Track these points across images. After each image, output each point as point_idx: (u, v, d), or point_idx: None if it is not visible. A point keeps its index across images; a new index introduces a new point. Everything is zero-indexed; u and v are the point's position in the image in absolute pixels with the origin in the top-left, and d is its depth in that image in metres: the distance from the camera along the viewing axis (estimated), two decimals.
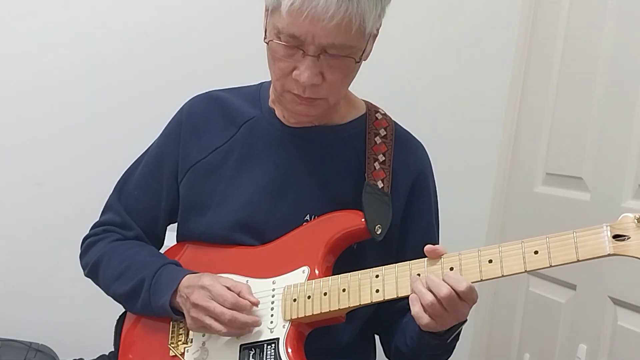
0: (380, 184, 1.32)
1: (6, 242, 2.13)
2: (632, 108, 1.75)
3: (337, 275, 1.24)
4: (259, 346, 1.25)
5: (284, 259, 1.31)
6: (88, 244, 1.47)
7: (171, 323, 1.36)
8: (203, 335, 1.31)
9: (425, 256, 1.18)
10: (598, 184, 1.86)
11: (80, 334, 2.11)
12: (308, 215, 1.33)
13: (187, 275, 1.31)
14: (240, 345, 1.26)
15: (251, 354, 1.25)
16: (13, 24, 2.10)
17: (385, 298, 1.19)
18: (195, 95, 1.47)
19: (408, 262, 1.19)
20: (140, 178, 1.46)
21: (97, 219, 1.50)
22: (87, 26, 2.13)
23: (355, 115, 1.40)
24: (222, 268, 1.33)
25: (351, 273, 1.22)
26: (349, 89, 1.33)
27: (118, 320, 1.47)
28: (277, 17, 1.20)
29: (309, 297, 1.24)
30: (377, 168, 1.34)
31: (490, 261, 1.12)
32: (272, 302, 1.27)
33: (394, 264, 1.20)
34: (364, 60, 1.27)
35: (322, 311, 1.22)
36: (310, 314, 1.23)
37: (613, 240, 1.05)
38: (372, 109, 1.42)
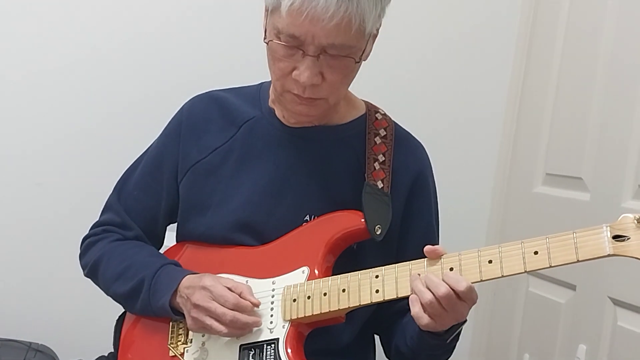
0: (380, 184, 1.32)
1: (6, 242, 2.13)
2: (632, 108, 1.75)
3: (336, 276, 1.24)
4: (258, 346, 1.25)
5: (284, 259, 1.31)
6: (88, 244, 1.47)
7: (171, 323, 1.36)
8: (203, 336, 1.31)
9: (425, 256, 1.18)
10: (598, 184, 1.86)
11: (80, 334, 2.11)
12: (308, 216, 1.33)
13: (187, 276, 1.31)
14: (240, 346, 1.26)
15: (251, 354, 1.25)
16: (13, 24, 2.10)
17: (385, 298, 1.19)
18: (195, 95, 1.47)
19: (408, 262, 1.19)
20: (140, 178, 1.46)
21: (97, 219, 1.50)
22: (87, 26, 2.13)
23: (355, 115, 1.40)
24: (221, 268, 1.33)
25: (351, 273, 1.22)
26: (349, 89, 1.33)
27: (117, 321, 1.47)
28: (277, 17, 1.20)
29: (308, 298, 1.24)
30: (377, 168, 1.34)
31: (490, 261, 1.12)
32: (272, 303, 1.27)
33: (394, 265, 1.20)
34: (364, 60, 1.27)
35: (322, 311, 1.22)
36: (310, 314, 1.23)
37: (613, 240, 1.05)
38: (372, 109, 1.42)
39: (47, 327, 2.12)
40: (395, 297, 1.19)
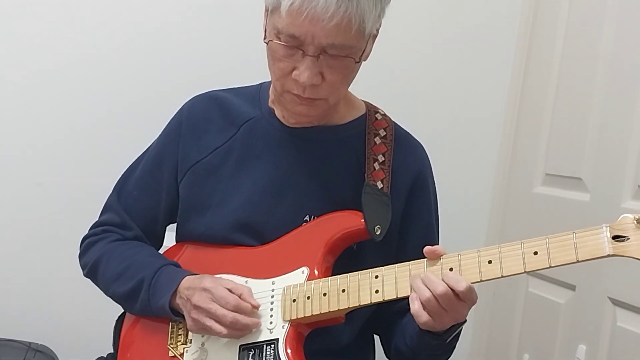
0: (379, 185, 1.32)
1: (6, 242, 2.13)
2: (632, 109, 1.76)
3: (336, 276, 1.24)
4: (258, 347, 1.25)
5: (284, 259, 1.30)
6: (87, 244, 1.47)
7: (170, 324, 1.36)
8: (202, 336, 1.31)
9: (425, 257, 1.18)
10: (597, 185, 1.86)
11: (79, 334, 2.11)
12: (307, 216, 1.33)
13: (187, 277, 1.31)
14: (240, 346, 1.26)
15: (250, 355, 1.25)
16: (13, 24, 2.10)
17: (385, 299, 1.19)
18: (195, 95, 1.47)
19: (407, 262, 1.19)
20: (140, 178, 1.46)
21: (97, 219, 1.50)
22: (86, 26, 2.13)
23: (355, 115, 1.40)
24: (221, 268, 1.33)
25: (351, 274, 1.22)
26: (348, 89, 1.33)
27: (117, 321, 1.46)
28: (276, 17, 1.20)
29: (308, 298, 1.24)
30: (376, 168, 1.34)
31: (489, 262, 1.12)
32: (272, 303, 1.27)
33: (394, 265, 1.20)
34: (364, 60, 1.27)
35: (322, 312, 1.22)
36: (310, 314, 1.23)
37: (612, 240, 1.05)
38: (371, 110, 1.42)
39: (46, 327, 2.12)
40: (395, 297, 1.18)
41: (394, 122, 1.42)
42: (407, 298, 1.17)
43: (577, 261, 1.07)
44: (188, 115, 1.44)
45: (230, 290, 1.25)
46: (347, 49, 1.20)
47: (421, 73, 2.32)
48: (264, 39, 1.25)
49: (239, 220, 1.35)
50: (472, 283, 1.13)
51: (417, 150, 1.42)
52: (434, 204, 1.43)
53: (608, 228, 1.05)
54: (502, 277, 1.12)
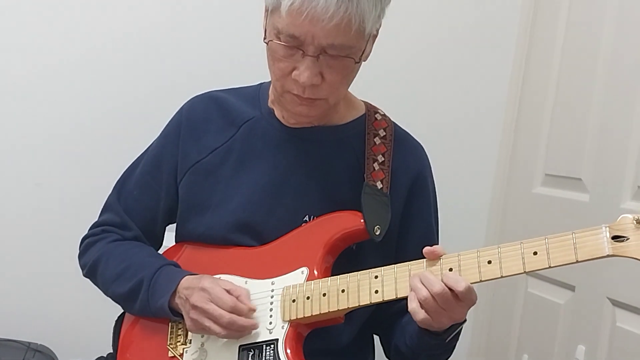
0: (379, 185, 1.32)
1: (5, 242, 2.12)
2: (631, 109, 1.76)
3: (336, 276, 1.24)
4: (258, 347, 1.25)
5: (283, 259, 1.30)
6: (87, 244, 1.47)
7: (170, 324, 1.35)
8: (202, 336, 1.30)
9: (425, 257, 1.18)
10: (597, 185, 1.86)
11: (79, 335, 2.11)
12: (307, 216, 1.33)
13: (187, 277, 1.31)
14: (239, 346, 1.26)
15: (250, 355, 1.24)
16: (13, 24, 2.10)
17: (384, 299, 1.19)
18: (194, 95, 1.47)
19: (407, 263, 1.19)
20: (140, 178, 1.46)
21: (96, 219, 1.50)
22: (86, 25, 2.13)
23: (355, 115, 1.40)
24: (221, 269, 1.33)
25: (350, 274, 1.22)
26: (348, 89, 1.33)
27: (117, 321, 1.46)
28: (276, 17, 1.20)
29: (308, 298, 1.24)
30: (376, 169, 1.34)
31: (489, 262, 1.12)
32: (271, 303, 1.27)
33: (393, 265, 1.20)
34: (364, 60, 1.27)
35: (321, 312, 1.22)
36: (310, 314, 1.23)
37: (612, 241, 1.05)
38: (371, 110, 1.42)
39: (46, 327, 2.12)
40: (394, 297, 1.18)
41: (394, 122, 1.42)
42: (406, 298, 1.17)
43: (577, 261, 1.07)
44: (188, 116, 1.44)
45: (228, 291, 1.25)
46: (347, 49, 1.20)
47: (421, 73, 2.32)
48: (264, 39, 1.25)
49: (239, 220, 1.35)
50: (471, 283, 1.13)
51: (416, 151, 1.42)
52: (433, 204, 1.43)
53: (607, 228, 1.06)
54: (502, 277, 1.12)
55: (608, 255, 1.05)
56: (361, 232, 1.28)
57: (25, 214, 2.14)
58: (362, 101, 1.44)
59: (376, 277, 1.20)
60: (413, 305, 1.14)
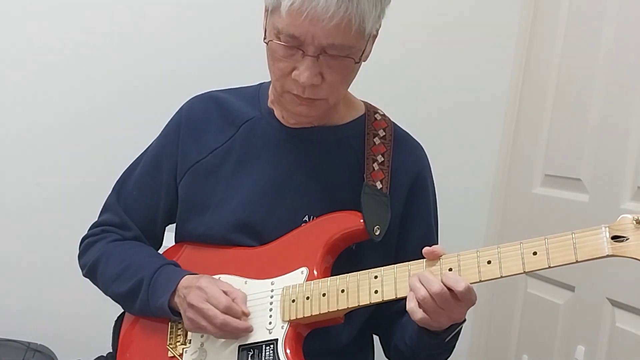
0: (379, 185, 1.32)
1: (5, 242, 2.12)
2: (631, 110, 1.76)
3: (335, 276, 1.24)
4: (257, 347, 1.25)
5: (283, 259, 1.30)
6: (87, 244, 1.47)
7: (169, 324, 1.36)
8: (202, 336, 1.31)
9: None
10: (597, 186, 1.86)
11: (78, 335, 2.11)
12: (307, 216, 1.33)
13: (186, 276, 1.31)
14: (239, 346, 1.26)
15: (250, 355, 1.24)
16: (12, 23, 2.10)
17: (384, 299, 1.19)
18: (194, 95, 1.47)
19: (407, 263, 1.19)
20: (139, 178, 1.46)
21: (96, 219, 1.50)
22: (86, 26, 2.13)
23: (355, 115, 1.40)
24: (220, 269, 1.33)
25: (350, 274, 1.22)
26: (348, 89, 1.33)
27: (116, 321, 1.46)
28: (276, 17, 1.20)
29: (307, 298, 1.24)
30: (375, 169, 1.34)
31: (489, 262, 1.12)
32: (271, 303, 1.27)
33: (393, 265, 1.20)
34: (364, 61, 1.27)
35: (321, 312, 1.22)
36: (309, 314, 1.23)
37: (612, 241, 1.05)
38: (371, 110, 1.42)
39: (45, 327, 2.12)
40: (394, 297, 1.18)
41: (394, 123, 1.42)
42: (406, 298, 1.17)
43: (577, 261, 1.07)
44: (187, 116, 1.44)
45: (225, 292, 1.25)
46: (347, 49, 1.20)
47: (420, 73, 2.32)
48: (264, 39, 1.25)
49: (239, 220, 1.35)
50: (471, 283, 1.13)
51: (416, 151, 1.42)
52: (433, 205, 1.43)
53: (607, 228, 1.05)
54: (502, 277, 1.12)
55: (608, 256, 1.05)
56: (361, 232, 1.28)
57: (25, 214, 2.14)
58: (362, 101, 1.44)
59: (376, 277, 1.20)
60: (411, 305, 1.14)
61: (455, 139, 2.34)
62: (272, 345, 1.24)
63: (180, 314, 1.30)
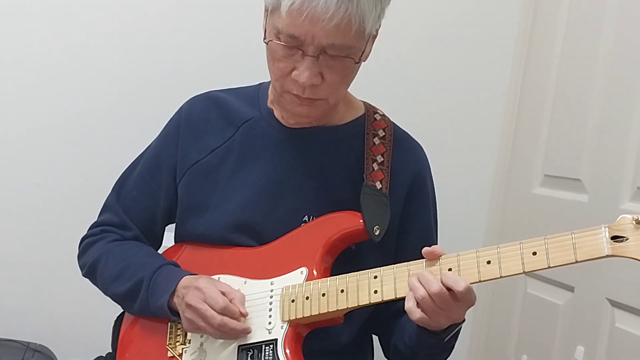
0: (378, 185, 1.32)
1: (4, 242, 2.12)
2: (631, 110, 1.76)
3: (335, 276, 1.24)
4: (257, 347, 1.25)
5: (282, 259, 1.30)
6: (86, 244, 1.47)
7: (169, 324, 1.35)
8: (201, 336, 1.31)
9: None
10: (596, 186, 1.86)
11: (78, 334, 2.11)
12: (306, 216, 1.33)
13: (185, 276, 1.30)
14: (238, 346, 1.26)
15: (249, 355, 1.24)
16: (12, 23, 2.10)
17: (384, 299, 1.19)
18: (193, 95, 1.47)
19: (406, 263, 1.19)
20: (139, 178, 1.46)
21: (95, 219, 1.50)
22: (86, 25, 2.13)
23: (354, 116, 1.40)
24: (220, 269, 1.33)
25: (349, 274, 1.22)
26: (348, 89, 1.33)
27: (116, 321, 1.46)
28: (276, 17, 1.20)
29: (307, 298, 1.24)
30: (375, 169, 1.34)
31: (488, 262, 1.12)
32: (271, 303, 1.27)
33: (393, 265, 1.20)
34: (364, 61, 1.27)
35: (321, 312, 1.22)
36: (309, 314, 1.23)
37: (611, 241, 1.05)
38: (370, 110, 1.42)
39: (45, 327, 2.11)
40: (393, 297, 1.18)
41: (393, 123, 1.42)
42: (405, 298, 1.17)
43: (576, 261, 1.07)
44: (187, 116, 1.44)
45: (223, 293, 1.24)
46: (347, 49, 1.20)
47: (420, 73, 2.33)
48: (264, 39, 1.25)
49: (238, 220, 1.35)
50: (470, 283, 1.13)
51: (415, 151, 1.42)
52: (432, 205, 1.43)
53: (607, 228, 1.05)
54: (501, 277, 1.12)
55: (607, 256, 1.05)
56: (360, 232, 1.28)
57: (24, 214, 2.14)
58: (362, 101, 1.44)
59: (375, 277, 1.20)
60: (409, 305, 1.14)
61: (454, 139, 2.34)
62: (271, 345, 1.24)
63: (179, 314, 1.30)
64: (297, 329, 1.25)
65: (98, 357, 1.46)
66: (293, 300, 1.25)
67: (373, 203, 1.30)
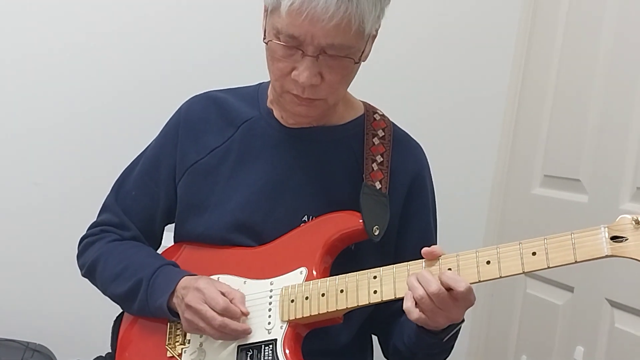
0: (378, 185, 1.32)
1: (3, 242, 2.12)
2: (630, 110, 1.76)
3: (334, 276, 1.24)
4: (256, 347, 1.25)
5: (282, 259, 1.30)
6: (85, 244, 1.47)
7: (168, 324, 1.35)
8: (200, 336, 1.30)
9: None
10: (596, 186, 1.86)
11: (77, 334, 2.11)
12: (306, 216, 1.33)
13: (185, 277, 1.30)
14: (238, 346, 1.26)
15: (249, 355, 1.24)
16: (11, 23, 2.10)
17: (383, 299, 1.19)
18: (193, 95, 1.47)
19: (406, 263, 1.19)
20: (138, 178, 1.46)
21: (95, 219, 1.50)
22: (85, 25, 2.13)
23: (354, 116, 1.40)
24: (219, 269, 1.33)
25: (349, 274, 1.22)
26: (347, 89, 1.33)
27: (115, 321, 1.46)
28: (276, 17, 1.20)
29: (306, 298, 1.24)
30: (375, 169, 1.34)
31: (488, 262, 1.12)
32: (270, 303, 1.27)
33: (392, 265, 1.20)
34: (363, 61, 1.27)
35: (320, 312, 1.22)
36: (308, 314, 1.23)
37: (611, 241, 1.05)
38: (370, 110, 1.42)
39: (44, 327, 2.11)
40: (393, 297, 1.18)
41: (393, 123, 1.42)
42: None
43: (576, 262, 1.07)
44: (186, 116, 1.44)
45: (223, 294, 1.24)
46: (347, 49, 1.20)
47: (420, 73, 2.32)
48: (264, 39, 1.25)
49: (237, 220, 1.35)
50: (470, 283, 1.13)
51: (415, 151, 1.42)
52: (432, 205, 1.43)
53: (606, 229, 1.05)
54: (501, 277, 1.12)
55: (607, 256, 1.05)
56: (360, 233, 1.28)
57: (23, 214, 2.13)
58: (361, 101, 1.44)
59: (375, 277, 1.20)
60: (408, 304, 1.14)
61: (454, 139, 2.34)
62: (271, 346, 1.24)
63: (179, 314, 1.29)
64: (297, 329, 1.25)
65: (97, 357, 1.46)
66: (292, 301, 1.25)
67: (372, 203, 1.30)
